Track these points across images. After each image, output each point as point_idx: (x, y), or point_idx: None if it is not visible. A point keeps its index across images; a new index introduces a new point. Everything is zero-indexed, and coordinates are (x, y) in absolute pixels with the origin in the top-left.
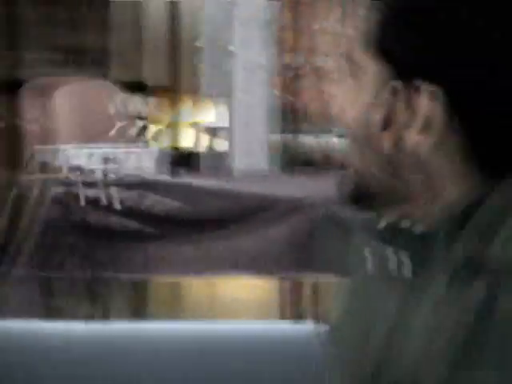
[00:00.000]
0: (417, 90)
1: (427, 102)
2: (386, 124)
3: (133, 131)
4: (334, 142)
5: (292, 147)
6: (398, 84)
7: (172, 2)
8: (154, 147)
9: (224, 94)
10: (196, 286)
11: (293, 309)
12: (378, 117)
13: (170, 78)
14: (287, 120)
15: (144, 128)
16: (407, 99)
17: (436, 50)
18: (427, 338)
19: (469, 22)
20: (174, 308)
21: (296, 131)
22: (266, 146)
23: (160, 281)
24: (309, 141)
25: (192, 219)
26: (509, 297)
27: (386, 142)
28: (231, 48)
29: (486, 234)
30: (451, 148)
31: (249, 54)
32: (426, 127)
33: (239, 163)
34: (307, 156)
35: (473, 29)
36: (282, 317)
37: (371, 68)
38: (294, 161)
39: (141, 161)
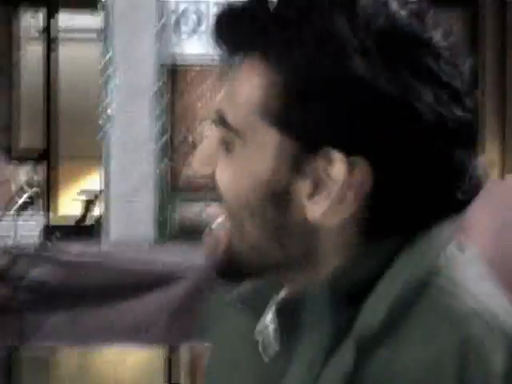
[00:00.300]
0: (327, 159)
1: (342, 173)
2: (285, 196)
3: (19, 199)
4: (211, 209)
5: (172, 213)
6: (303, 154)
7: (50, 67)
8: (37, 215)
9: (102, 159)
10: (73, 356)
11: (174, 376)
12: (277, 188)
13: (50, 143)
14: (168, 187)
15: (31, 196)
16: (313, 170)
17: (344, 118)
18: None
19: (372, 88)
20: (50, 378)
21: (177, 196)
22: (144, 213)
23: (35, 351)
24: (190, 206)
25: (65, 287)
26: (375, 360)
27: (279, 213)
28: (107, 113)
29: (356, 301)
30: (349, 220)
31: (127, 121)
32: (338, 201)
33: (114, 230)
34: (186, 223)
35: (379, 95)
36: None
37: (269, 138)
38: (172, 228)
39: (24, 229)
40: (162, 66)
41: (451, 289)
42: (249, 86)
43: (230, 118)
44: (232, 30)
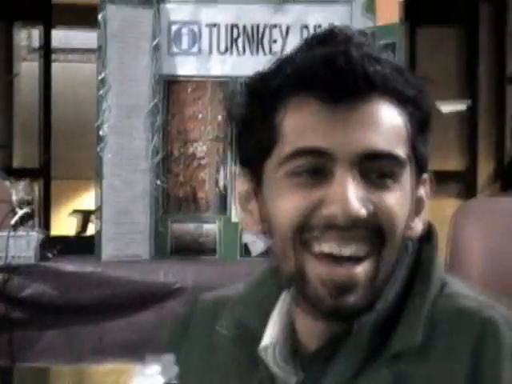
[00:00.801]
0: (423, 181)
1: (425, 191)
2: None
3: (14, 218)
4: (205, 227)
5: (165, 233)
6: (416, 180)
7: (44, 82)
8: (32, 233)
9: (96, 178)
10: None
11: None
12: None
13: (42, 161)
14: (161, 205)
15: (26, 214)
16: (418, 192)
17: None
18: None
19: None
20: None
21: (169, 217)
22: (137, 230)
23: (26, 368)
24: (182, 227)
25: (59, 304)
26: (417, 372)
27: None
28: (101, 132)
29: (388, 325)
30: None
31: (121, 140)
32: (423, 214)
33: (108, 248)
34: (180, 242)
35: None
36: None
37: (409, 167)
38: (166, 247)
39: (19, 247)
40: (156, 85)
41: (461, 294)
42: (395, 123)
43: (398, 151)
44: (370, 70)
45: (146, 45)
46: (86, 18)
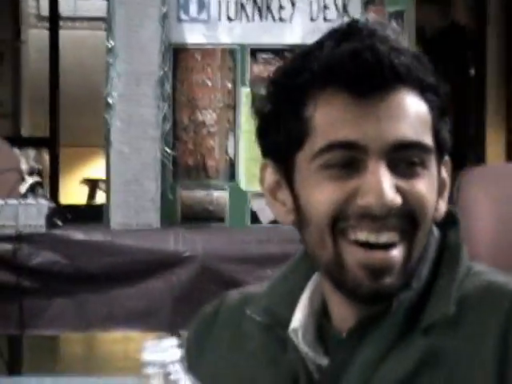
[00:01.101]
0: (445, 163)
1: (446, 173)
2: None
3: (23, 187)
4: (215, 195)
5: (174, 201)
6: (439, 162)
7: (52, 53)
8: (42, 201)
9: (104, 146)
10: (77, 340)
11: None
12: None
13: (51, 129)
14: (171, 173)
15: (36, 183)
16: (441, 174)
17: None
18: None
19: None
20: (52, 363)
21: (178, 184)
22: (146, 198)
23: (35, 336)
24: (191, 194)
25: (69, 273)
26: (448, 344)
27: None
28: (110, 100)
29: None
30: None
31: (129, 108)
32: (445, 195)
33: (117, 216)
34: (189, 210)
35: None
36: None
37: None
38: (175, 215)
39: (28, 215)
40: (165, 53)
41: (488, 271)
42: (420, 111)
43: (425, 140)
44: (396, 62)
45: (155, 12)
46: None
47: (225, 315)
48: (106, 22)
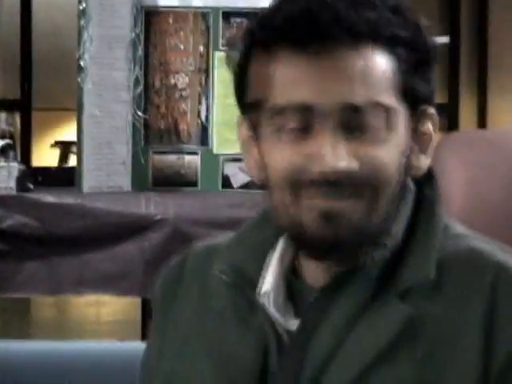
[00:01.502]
0: (427, 115)
1: (432, 125)
2: (407, 162)
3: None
4: (186, 159)
5: (146, 165)
6: (415, 118)
7: (25, 15)
8: (12, 164)
9: (76, 109)
10: (49, 304)
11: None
12: (405, 156)
13: (23, 92)
14: (143, 137)
15: (7, 145)
16: (421, 129)
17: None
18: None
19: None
20: (25, 326)
21: (150, 148)
22: (117, 162)
23: (6, 299)
24: (163, 158)
25: (40, 235)
26: (429, 312)
27: (402, 180)
28: (82, 63)
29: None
30: None
31: (101, 71)
32: (430, 149)
33: (89, 180)
34: (161, 174)
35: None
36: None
37: (400, 111)
38: (147, 178)
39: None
40: (137, 15)
41: (470, 235)
42: (382, 70)
43: (383, 100)
44: (355, 19)
45: None
46: None
47: (192, 266)
48: None
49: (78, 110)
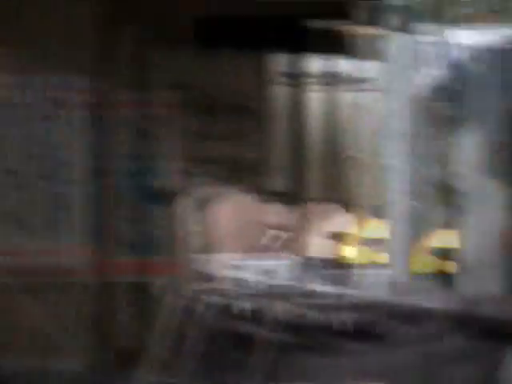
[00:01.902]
0: None
1: None
2: None
3: (277, 242)
4: None
5: None
6: None
7: (329, 115)
8: (299, 257)
9: (381, 206)
10: None
11: None
12: None
13: (325, 189)
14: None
15: (288, 239)
16: None
17: None
18: None
19: None
20: None
21: None
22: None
23: None
24: None
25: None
26: None
27: None
28: (386, 161)
29: None
30: None
31: (404, 166)
32: None
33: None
34: None
35: None
36: None
37: None
38: None
39: (290, 271)
40: None
41: None
42: None
43: None
44: None
45: None
46: None
47: None
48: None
49: (385, 207)
